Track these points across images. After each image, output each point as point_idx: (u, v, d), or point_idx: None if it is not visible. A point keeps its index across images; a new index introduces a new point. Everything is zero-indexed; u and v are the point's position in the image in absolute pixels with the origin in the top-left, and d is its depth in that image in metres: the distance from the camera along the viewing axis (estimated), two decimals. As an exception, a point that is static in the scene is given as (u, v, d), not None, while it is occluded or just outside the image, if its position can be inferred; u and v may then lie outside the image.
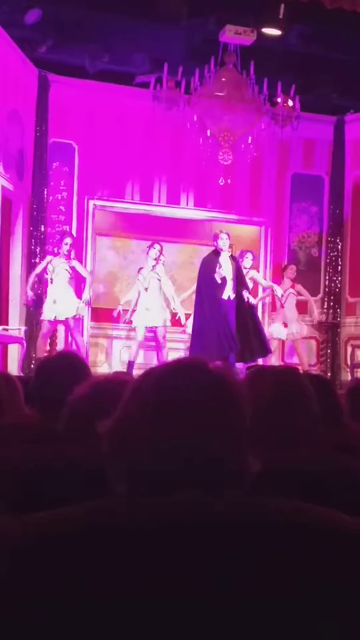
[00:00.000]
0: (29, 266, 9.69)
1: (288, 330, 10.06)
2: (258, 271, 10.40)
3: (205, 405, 1.21)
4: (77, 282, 9.59)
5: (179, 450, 1.18)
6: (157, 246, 9.75)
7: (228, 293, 8.76)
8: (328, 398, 2.42)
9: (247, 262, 9.94)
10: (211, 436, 1.19)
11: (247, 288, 9.06)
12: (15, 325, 9.41)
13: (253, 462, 1.23)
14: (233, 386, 1.25)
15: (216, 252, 8.95)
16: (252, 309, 9.08)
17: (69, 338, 9.69)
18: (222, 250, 8.90)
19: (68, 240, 9.44)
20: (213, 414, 1.21)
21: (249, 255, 10.02)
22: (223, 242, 8.92)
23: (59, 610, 1.08)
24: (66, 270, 9.34)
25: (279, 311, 10.11)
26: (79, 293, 9.50)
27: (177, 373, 1.25)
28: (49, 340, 9.44)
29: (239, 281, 8.91)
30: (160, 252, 9.75)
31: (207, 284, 8.84)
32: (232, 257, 9.09)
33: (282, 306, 10.06)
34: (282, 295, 10.01)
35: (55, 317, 9.21)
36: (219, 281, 8.69)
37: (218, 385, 1.24)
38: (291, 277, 10.23)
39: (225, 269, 8.80)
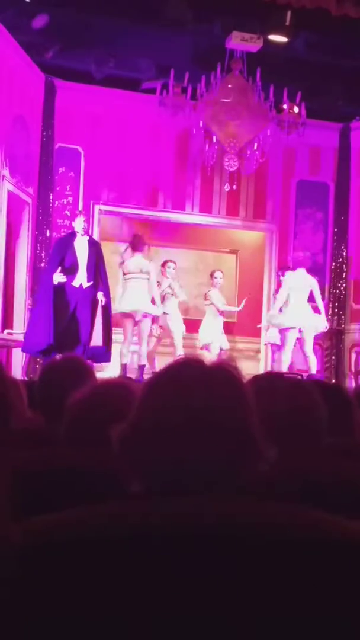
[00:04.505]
0: (34, 270, 9.70)
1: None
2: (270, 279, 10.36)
3: (214, 402, 1.23)
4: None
5: (192, 451, 1.19)
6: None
7: (80, 280, 8.20)
8: (340, 405, 2.42)
9: (216, 281, 10.11)
10: (224, 433, 1.21)
11: (102, 281, 8.44)
12: (20, 329, 9.42)
13: (268, 454, 1.24)
14: (234, 380, 1.28)
15: (73, 234, 8.46)
16: (106, 306, 8.42)
17: None
18: (77, 232, 8.40)
19: None
20: (224, 411, 1.23)
21: (219, 274, 10.10)
22: (76, 224, 8.43)
23: (60, 613, 1.08)
24: None
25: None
26: None
27: (179, 374, 1.27)
28: None
29: (97, 270, 8.34)
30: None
31: (51, 270, 8.30)
32: (92, 242, 8.57)
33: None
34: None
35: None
36: (56, 283, 8.09)
37: (223, 381, 1.27)
38: None
39: (79, 254, 8.29)
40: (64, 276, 8.13)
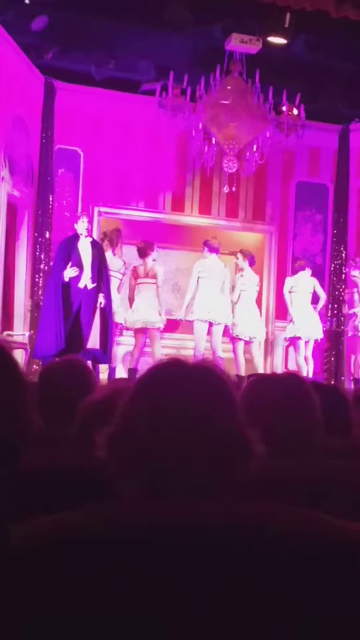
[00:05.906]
0: (34, 272, 9.70)
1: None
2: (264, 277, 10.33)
3: (200, 401, 1.24)
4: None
5: (181, 451, 1.19)
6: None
7: (85, 282, 8.22)
8: (337, 405, 2.42)
9: (240, 262, 9.89)
10: (213, 432, 1.21)
11: (104, 283, 8.44)
12: (20, 330, 9.43)
13: (258, 451, 1.24)
14: (219, 378, 1.29)
15: (76, 236, 8.45)
16: (105, 308, 8.38)
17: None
18: (81, 234, 8.39)
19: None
20: (212, 410, 1.23)
21: (239, 256, 9.95)
22: (79, 226, 8.40)
23: (59, 614, 1.08)
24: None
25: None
26: None
27: (164, 375, 1.28)
28: None
29: (100, 271, 8.35)
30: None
31: (59, 270, 8.27)
32: (94, 243, 8.57)
33: None
34: None
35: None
36: (67, 279, 8.10)
37: (208, 381, 1.27)
38: None
39: (83, 256, 8.29)
40: (76, 269, 8.15)
